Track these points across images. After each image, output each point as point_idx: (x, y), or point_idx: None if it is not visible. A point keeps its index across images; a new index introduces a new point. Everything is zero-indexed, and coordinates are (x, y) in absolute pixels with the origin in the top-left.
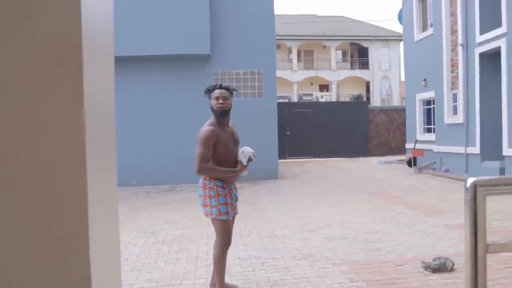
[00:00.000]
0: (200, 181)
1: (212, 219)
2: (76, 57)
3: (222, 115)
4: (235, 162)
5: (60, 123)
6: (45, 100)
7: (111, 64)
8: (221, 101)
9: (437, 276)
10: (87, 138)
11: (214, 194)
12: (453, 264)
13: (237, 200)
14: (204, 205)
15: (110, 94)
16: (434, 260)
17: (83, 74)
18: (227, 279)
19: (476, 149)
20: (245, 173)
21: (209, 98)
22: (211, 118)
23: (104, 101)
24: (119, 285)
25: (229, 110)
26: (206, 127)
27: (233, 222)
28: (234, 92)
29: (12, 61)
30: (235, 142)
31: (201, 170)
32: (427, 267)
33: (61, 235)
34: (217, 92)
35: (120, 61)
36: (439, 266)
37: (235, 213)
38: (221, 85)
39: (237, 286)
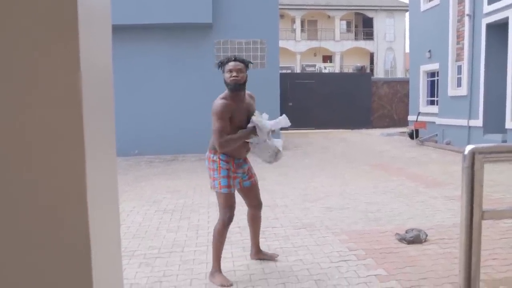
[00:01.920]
0: (206, 153)
1: (216, 193)
2: (71, 20)
3: (236, 88)
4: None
5: (57, 87)
6: (40, 64)
7: (108, 28)
8: (234, 73)
9: (433, 245)
10: (84, 102)
11: (217, 167)
12: (426, 235)
13: (245, 172)
14: (209, 177)
15: (107, 59)
16: (407, 232)
17: (79, 38)
18: (233, 249)
19: (478, 122)
20: (257, 139)
21: (223, 71)
22: (225, 92)
23: (101, 65)
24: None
25: (244, 83)
26: (219, 100)
27: (251, 192)
28: (250, 64)
29: (6, 23)
30: (250, 119)
31: (222, 146)
32: (402, 239)
33: (58, 207)
34: (231, 64)
35: (121, 29)
36: (414, 238)
37: (252, 184)
38: (235, 57)
39: (277, 255)
